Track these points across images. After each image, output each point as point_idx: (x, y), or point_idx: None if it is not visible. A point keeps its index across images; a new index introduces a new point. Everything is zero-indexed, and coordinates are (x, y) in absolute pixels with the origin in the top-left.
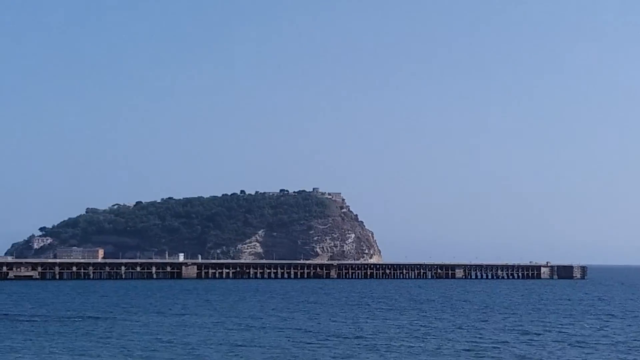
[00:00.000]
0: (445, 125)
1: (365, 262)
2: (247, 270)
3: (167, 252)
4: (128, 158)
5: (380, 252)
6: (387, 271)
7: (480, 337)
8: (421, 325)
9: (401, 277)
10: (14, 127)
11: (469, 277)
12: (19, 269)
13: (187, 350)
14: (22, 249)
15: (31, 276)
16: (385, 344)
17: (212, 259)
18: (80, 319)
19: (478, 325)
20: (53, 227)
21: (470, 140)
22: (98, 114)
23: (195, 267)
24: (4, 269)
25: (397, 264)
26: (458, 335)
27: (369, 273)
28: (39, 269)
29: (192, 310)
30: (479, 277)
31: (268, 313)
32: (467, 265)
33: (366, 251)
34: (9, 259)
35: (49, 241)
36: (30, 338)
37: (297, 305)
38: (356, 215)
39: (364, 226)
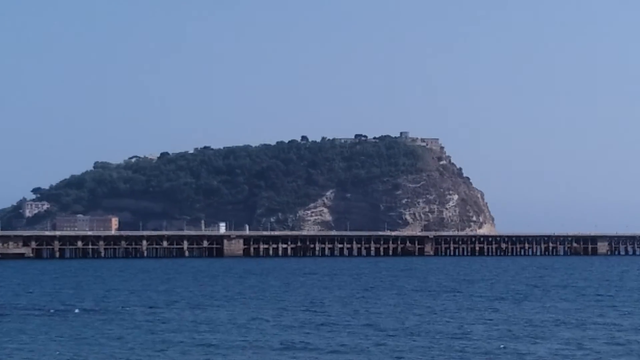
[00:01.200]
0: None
1: (473, 232)
2: (311, 246)
3: (203, 222)
4: (148, 93)
5: (492, 220)
6: (503, 245)
7: (617, 335)
8: (543, 321)
9: (522, 253)
10: None
11: (616, 252)
12: (5, 245)
13: (207, 356)
14: (9, 217)
15: (22, 254)
16: (489, 348)
17: (263, 229)
18: (77, 312)
19: (619, 321)
20: (50, 187)
21: (615, 76)
22: (108, 38)
23: (241, 241)
24: None
25: (515, 236)
26: (592, 332)
27: (477, 248)
28: (33, 244)
29: (230, 300)
30: (631, 252)
31: (332, 303)
32: (614, 236)
33: (474, 218)
34: None
35: (45, 207)
36: (7, 336)
37: (374, 293)
38: (460, 170)
39: (471, 184)
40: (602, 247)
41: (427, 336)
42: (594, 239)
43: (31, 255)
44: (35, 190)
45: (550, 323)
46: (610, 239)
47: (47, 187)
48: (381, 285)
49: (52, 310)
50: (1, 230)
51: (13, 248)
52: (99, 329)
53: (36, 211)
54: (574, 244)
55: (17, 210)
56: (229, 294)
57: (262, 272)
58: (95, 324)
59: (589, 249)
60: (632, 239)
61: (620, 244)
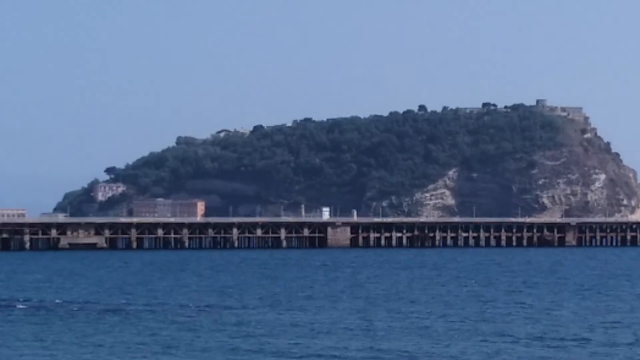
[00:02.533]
0: None
1: (624, 219)
2: (431, 234)
3: (303, 206)
4: (238, 57)
5: None
6: None
7: None
8: None
9: None
10: (64, 16)
11: None
12: (75, 233)
13: None
14: (79, 201)
15: (95, 244)
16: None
17: (374, 216)
18: (132, 309)
19: None
20: (127, 167)
21: None
22: None
23: (348, 228)
24: (54, 232)
25: None
26: None
27: (629, 237)
28: (106, 232)
29: (328, 299)
30: None
31: (440, 303)
32: None
33: (624, 202)
34: (61, 218)
35: (120, 189)
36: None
37: (493, 290)
38: (608, 144)
39: (621, 161)
40: None
41: (548, 343)
42: None
43: (104, 245)
44: (109, 171)
45: None
46: None
47: (122, 166)
48: (503, 280)
49: (98, 308)
50: (70, 216)
51: (84, 237)
52: (146, 330)
53: (110, 194)
54: None
55: (88, 193)
56: (327, 292)
57: (371, 266)
58: (146, 324)
59: None
60: None
61: None
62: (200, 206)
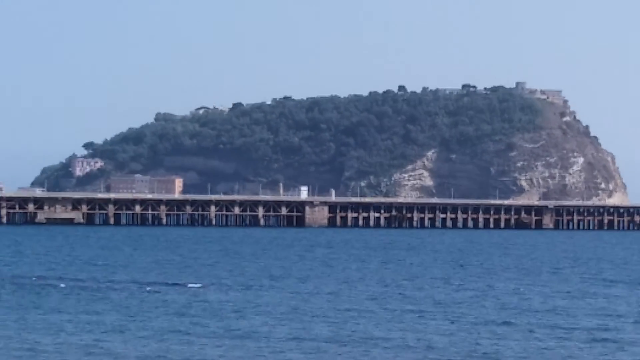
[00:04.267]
0: None
1: (601, 203)
2: (408, 215)
3: (281, 185)
4: (218, 34)
5: (625, 188)
6: (636, 218)
7: None
8: None
9: None
10: None
11: None
12: (52, 208)
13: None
14: (57, 176)
15: (72, 219)
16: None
17: (352, 195)
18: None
19: None
20: (105, 142)
21: None
22: None
23: (326, 208)
24: (30, 206)
25: None
26: None
27: (606, 221)
28: (84, 208)
29: (294, 278)
30: None
31: (404, 286)
32: None
33: (602, 186)
34: (38, 192)
35: (98, 165)
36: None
37: (461, 272)
38: (586, 128)
39: (600, 145)
40: None
41: (510, 327)
42: None
43: (82, 220)
44: (87, 146)
45: None
46: None
47: (100, 141)
48: (474, 263)
49: (62, 285)
50: (47, 191)
51: (61, 212)
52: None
53: (88, 170)
54: None
55: (65, 168)
56: (294, 271)
57: (346, 245)
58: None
59: None
60: None
61: None
62: (178, 183)
